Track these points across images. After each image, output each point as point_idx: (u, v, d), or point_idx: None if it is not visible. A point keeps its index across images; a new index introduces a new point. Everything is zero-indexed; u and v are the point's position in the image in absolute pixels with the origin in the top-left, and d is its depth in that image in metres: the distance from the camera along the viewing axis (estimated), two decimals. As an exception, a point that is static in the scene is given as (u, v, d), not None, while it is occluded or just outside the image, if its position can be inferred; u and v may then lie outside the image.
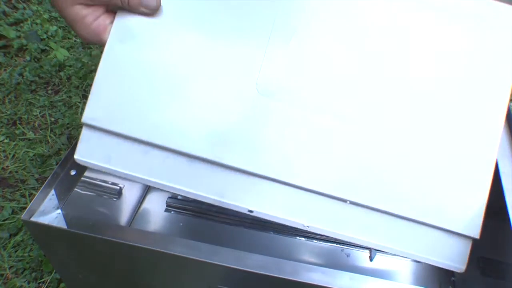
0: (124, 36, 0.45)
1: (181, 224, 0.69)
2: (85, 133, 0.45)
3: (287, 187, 0.45)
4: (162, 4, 0.45)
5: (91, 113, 0.44)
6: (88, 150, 0.45)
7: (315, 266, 0.44)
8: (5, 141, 1.02)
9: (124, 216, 0.68)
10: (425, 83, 0.47)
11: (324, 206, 0.45)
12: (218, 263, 0.43)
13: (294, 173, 0.45)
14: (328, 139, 0.45)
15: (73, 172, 0.51)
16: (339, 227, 0.46)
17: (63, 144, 1.01)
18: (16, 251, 0.83)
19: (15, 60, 1.22)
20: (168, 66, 0.44)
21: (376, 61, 0.46)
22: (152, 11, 0.45)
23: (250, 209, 0.45)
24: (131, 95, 0.44)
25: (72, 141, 1.02)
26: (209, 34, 0.45)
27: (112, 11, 0.45)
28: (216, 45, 0.45)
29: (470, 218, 0.46)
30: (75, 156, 0.45)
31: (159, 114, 0.44)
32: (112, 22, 0.45)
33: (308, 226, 0.45)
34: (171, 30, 0.45)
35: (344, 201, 0.45)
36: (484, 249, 0.51)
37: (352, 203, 0.45)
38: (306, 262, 0.51)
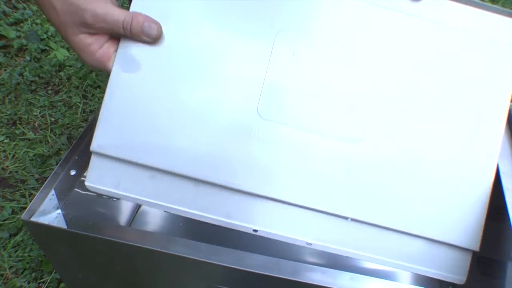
0: (127, 65, 0.46)
1: (181, 224, 0.70)
2: (94, 160, 0.47)
3: (289, 206, 0.46)
4: (163, 32, 0.46)
5: (99, 141, 0.46)
6: (98, 177, 0.46)
7: (315, 266, 0.44)
8: (5, 141, 1.02)
9: (124, 216, 0.68)
10: (422, 98, 0.48)
11: (326, 224, 0.46)
12: (218, 263, 0.43)
13: (296, 193, 0.46)
14: (328, 159, 0.47)
15: (73, 172, 0.51)
16: (341, 244, 0.47)
17: (63, 144, 1.01)
18: (16, 251, 0.83)
19: (15, 60, 1.22)
20: (171, 94, 0.46)
21: (375, 77, 0.47)
22: (154, 40, 0.46)
23: (255, 228, 0.46)
24: (136, 123, 0.46)
25: (72, 141, 1.02)
26: (209, 61, 0.46)
27: (116, 38, 0.46)
28: (217, 71, 0.46)
29: (470, 231, 0.47)
30: (86, 183, 0.46)
31: (165, 140, 0.46)
32: (116, 50, 0.46)
33: (310, 244, 0.46)
34: (173, 58, 0.46)
35: (346, 218, 0.46)
36: (484, 249, 0.51)
37: (353, 220, 0.46)
38: (306, 261, 0.51)
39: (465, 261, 0.48)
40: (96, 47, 0.45)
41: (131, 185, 0.46)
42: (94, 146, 0.46)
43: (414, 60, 0.48)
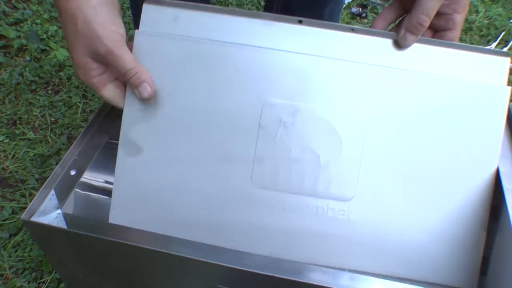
0: (131, 151, 0.52)
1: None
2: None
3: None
4: (161, 111, 0.51)
5: (115, 216, 0.52)
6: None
7: (316, 266, 0.44)
8: (5, 141, 1.02)
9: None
10: (412, 154, 0.50)
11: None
12: (218, 263, 0.43)
13: (294, 251, 0.49)
14: (321, 218, 0.50)
15: (73, 172, 0.51)
16: None
17: (63, 144, 1.01)
18: (16, 251, 0.83)
19: (15, 60, 1.22)
20: (170, 173, 0.51)
21: (362, 136, 0.50)
22: (141, 99, 0.50)
23: None
24: (142, 200, 0.52)
25: (72, 141, 1.02)
26: (203, 139, 0.51)
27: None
28: (211, 148, 0.51)
29: (467, 274, 0.49)
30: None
31: (169, 213, 0.51)
32: (113, 80, 0.50)
33: None
34: (171, 140, 0.51)
35: (343, 269, 0.48)
36: (484, 249, 0.51)
37: (350, 271, 0.48)
38: (306, 262, 0.51)
39: None
40: (96, 73, 0.49)
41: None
42: (111, 219, 0.52)
43: (405, 115, 0.50)
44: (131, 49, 0.50)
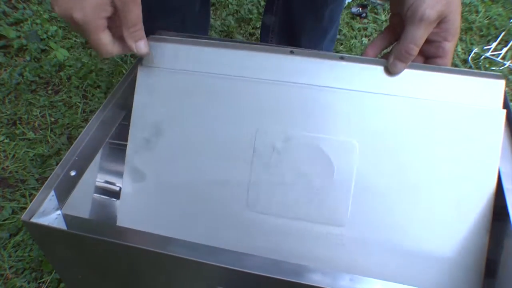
0: (135, 177, 0.55)
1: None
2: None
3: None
4: (162, 140, 0.55)
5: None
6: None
7: (315, 267, 0.44)
8: (5, 141, 1.02)
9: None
10: (402, 181, 0.50)
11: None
12: (218, 264, 0.43)
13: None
14: (315, 242, 0.50)
15: (73, 173, 0.51)
16: None
17: (63, 144, 1.01)
18: (16, 251, 0.83)
19: (15, 60, 1.22)
20: (171, 198, 0.54)
21: (352, 162, 0.51)
22: (141, 54, 0.51)
23: None
24: (145, 222, 0.55)
25: (72, 141, 1.02)
26: (202, 167, 0.54)
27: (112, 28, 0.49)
28: (210, 175, 0.53)
29: None
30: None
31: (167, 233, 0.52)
32: (108, 28, 0.49)
33: None
34: (171, 166, 0.54)
35: None
36: (492, 252, 0.51)
37: None
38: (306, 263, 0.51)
39: None
40: (105, 14, 0.47)
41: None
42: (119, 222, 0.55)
43: (397, 139, 0.50)
44: None
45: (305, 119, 0.52)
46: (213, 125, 0.53)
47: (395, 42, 0.52)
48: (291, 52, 0.53)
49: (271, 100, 0.53)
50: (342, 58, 0.51)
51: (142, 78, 0.55)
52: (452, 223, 0.49)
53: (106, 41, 0.49)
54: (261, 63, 0.53)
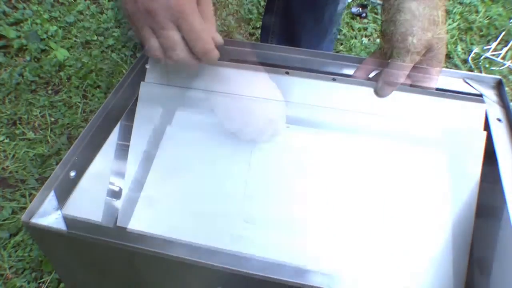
0: (135, 186, 0.56)
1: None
2: None
3: None
4: (163, 154, 0.56)
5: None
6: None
7: (316, 269, 0.44)
8: (5, 141, 1.02)
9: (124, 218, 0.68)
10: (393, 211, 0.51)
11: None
12: (218, 266, 0.43)
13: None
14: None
15: (72, 174, 0.51)
16: None
17: (63, 144, 1.01)
18: (16, 251, 0.83)
19: (15, 60, 1.22)
20: (170, 210, 0.54)
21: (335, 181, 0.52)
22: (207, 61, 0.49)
23: None
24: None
25: (72, 141, 1.02)
26: (201, 181, 0.55)
27: None
28: (211, 192, 0.54)
29: None
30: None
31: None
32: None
33: None
34: (170, 180, 0.55)
35: None
36: (484, 249, 0.51)
37: None
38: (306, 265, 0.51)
39: None
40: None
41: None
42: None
43: (381, 158, 0.52)
44: None
45: (298, 135, 0.55)
46: (213, 142, 0.56)
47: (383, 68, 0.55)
48: (287, 73, 0.57)
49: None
50: (334, 80, 0.56)
51: (144, 93, 0.57)
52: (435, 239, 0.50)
53: (203, 26, 0.47)
54: (257, 83, 0.57)
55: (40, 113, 1.09)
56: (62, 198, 0.49)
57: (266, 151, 0.54)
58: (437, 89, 0.57)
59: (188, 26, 0.45)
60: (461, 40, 1.29)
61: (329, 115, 0.54)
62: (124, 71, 1.18)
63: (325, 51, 0.74)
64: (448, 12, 1.39)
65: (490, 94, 0.61)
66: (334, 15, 0.92)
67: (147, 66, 0.63)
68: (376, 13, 1.39)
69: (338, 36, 1.29)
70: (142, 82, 0.58)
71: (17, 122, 1.07)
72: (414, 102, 0.53)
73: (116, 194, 0.66)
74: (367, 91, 0.55)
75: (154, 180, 0.56)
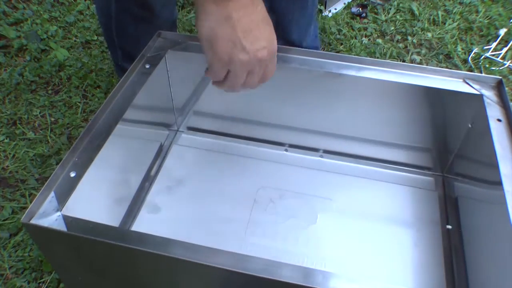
0: (152, 209, 0.70)
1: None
2: None
3: None
4: (181, 187, 0.73)
5: None
6: None
7: (316, 270, 0.44)
8: (5, 141, 1.02)
9: (123, 219, 0.68)
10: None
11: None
12: (217, 266, 0.43)
13: None
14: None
15: (72, 174, 0.51)
16: None
17: (63, 144, 1.01)
18: (16, 251, 0.83)
19: (15, 60, 1.22)
20: (182, 229, 0.67)
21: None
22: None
23: None
24: None
25: (72, 141, 1.02)
26: (211, 209, 0.71)
27: None
28: (219, 217, 0.70)
29: None
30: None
31: None
32: None
33: None
34: (185, 205, 0.71)
35: None
36: (483, 250, 0.51)
37: None
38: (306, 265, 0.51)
39: None
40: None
41: None
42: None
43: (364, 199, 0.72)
44: None
45: (294, 180, 0.74)
46: (224, 182, 0.74)
47: None
48: (286, 151, 0.79)
49: (270, 165, 0.77)
50: (321, 157, 0.78)
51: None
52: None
53: None
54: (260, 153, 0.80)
55: (40, 113, 1.09)
56: (62, 198, 0.49)
57: (268, 191, 0.73)
58: (437, 89, 0.58)
59: (270, 74, 0.55)
60: (461, 40, 1.29)
61: (320, 176, 0.76)
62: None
63: (325, 51, 0.76)
64: (448, 12, 1.39)
65: (490, 94, 0.61)
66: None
67: (147, 66, 0.63)
68: (376, 13, 1.39)
69: (338, 36, 1.29)
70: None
71: (17, 122, 1.07)
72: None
73: (116, 195, 0.66)
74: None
75: (169, 205, 0.69)
